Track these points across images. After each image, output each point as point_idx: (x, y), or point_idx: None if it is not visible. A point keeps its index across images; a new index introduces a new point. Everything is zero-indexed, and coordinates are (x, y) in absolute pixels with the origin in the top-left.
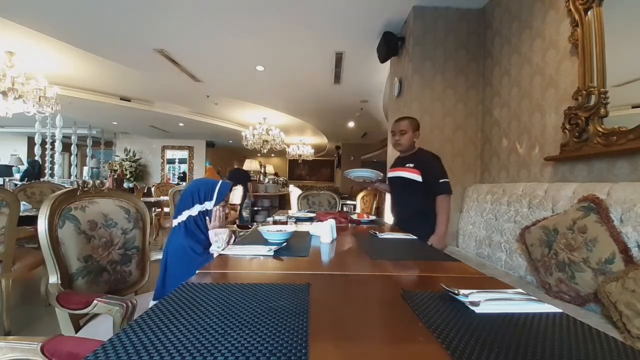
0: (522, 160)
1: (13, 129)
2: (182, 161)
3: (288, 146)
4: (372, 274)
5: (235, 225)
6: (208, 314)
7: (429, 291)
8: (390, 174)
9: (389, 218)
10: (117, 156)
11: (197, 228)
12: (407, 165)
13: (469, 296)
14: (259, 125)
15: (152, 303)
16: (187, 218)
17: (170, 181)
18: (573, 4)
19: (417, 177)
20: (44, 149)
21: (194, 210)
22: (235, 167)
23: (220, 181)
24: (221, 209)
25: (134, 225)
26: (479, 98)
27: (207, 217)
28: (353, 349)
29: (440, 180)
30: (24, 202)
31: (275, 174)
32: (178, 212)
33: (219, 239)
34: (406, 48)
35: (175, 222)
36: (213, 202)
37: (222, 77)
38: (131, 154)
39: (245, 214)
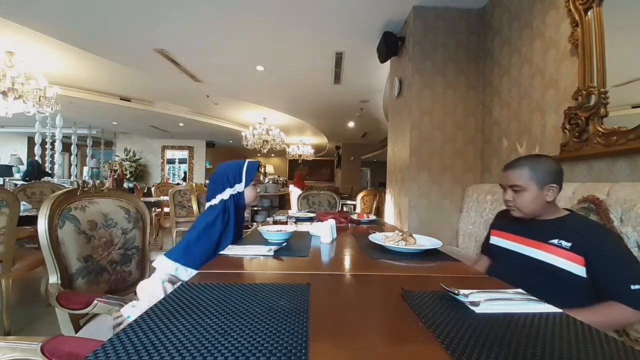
0: None
1: (13, 129)
2: (182, 161)
3: (288, 146)
4: (372, 274)
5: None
6: (208, 314)
7: (429, 291)
8: (502, 242)
9: (389, 218)
10: (117, 156)
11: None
12: (552, 241)
13: (469, 296)
14: (259, 125)
15: (164, 259)
16: (220, 202)
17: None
18: (573, 4)
19: (577, 269)
20: (44, 149)
21: (226, 194)
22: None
23: (247, 161)
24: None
25: (134, 225)
26: (479, 98)
27: (239, 202)
28: (353, 349)
29: (634, 287)
30: (24, 202)
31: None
32: (211, 196)
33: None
34: (406, 48)
35: (208, 204)
36: (243, 183)
37: (222, 77)
38: (131, 154)
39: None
